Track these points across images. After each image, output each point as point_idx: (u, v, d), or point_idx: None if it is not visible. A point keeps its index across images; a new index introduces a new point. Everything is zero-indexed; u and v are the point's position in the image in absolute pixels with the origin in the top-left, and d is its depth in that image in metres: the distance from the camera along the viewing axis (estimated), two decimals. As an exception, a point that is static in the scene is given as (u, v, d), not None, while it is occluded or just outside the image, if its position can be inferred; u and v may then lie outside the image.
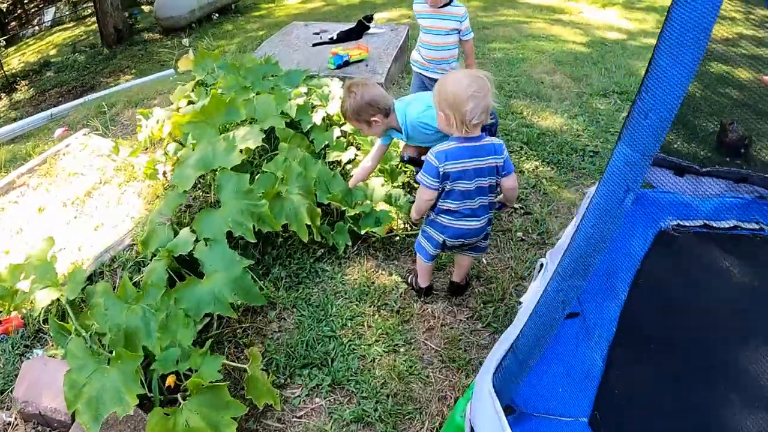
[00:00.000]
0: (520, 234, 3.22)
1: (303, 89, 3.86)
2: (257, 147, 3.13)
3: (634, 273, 2.19)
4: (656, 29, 8.07)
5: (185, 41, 11.14)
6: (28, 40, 17.96)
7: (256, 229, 2.62)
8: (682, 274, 2.29)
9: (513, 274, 2.91)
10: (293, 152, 3.33)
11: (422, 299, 2.75)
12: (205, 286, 2.38)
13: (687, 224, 2.57)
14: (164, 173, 3.52)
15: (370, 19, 5.96)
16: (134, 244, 3.11)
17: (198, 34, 11.79)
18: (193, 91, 4.08)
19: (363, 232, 2.95)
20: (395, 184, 3.25)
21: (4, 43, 17.11)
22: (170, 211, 2.81)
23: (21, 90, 11.73)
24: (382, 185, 3.18)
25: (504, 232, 3.23)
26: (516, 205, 3.42)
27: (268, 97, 3.68)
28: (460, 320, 2.62)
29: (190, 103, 3.89)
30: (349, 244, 3.01)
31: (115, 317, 2.22)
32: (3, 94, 11.64)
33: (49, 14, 19.22)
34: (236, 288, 2.39)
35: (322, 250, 3.02)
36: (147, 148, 3.95)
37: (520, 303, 1.85)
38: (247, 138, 3.06)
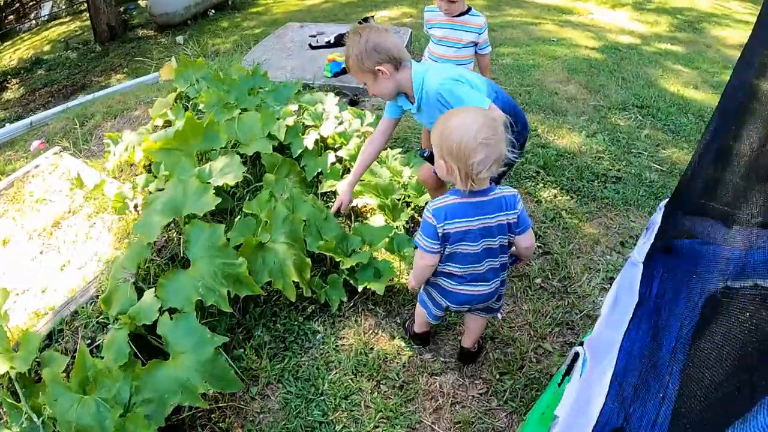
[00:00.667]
0: (539, 281, 2.82)
1: (293, 107, 3.45)
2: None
3: (684, 360, 1.79)
4: (669, 33, 7.66)
5: (179, 39, 10.74)
6: (23, 35, 17.58)
7: (233, 295, 2.22)
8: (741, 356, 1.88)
9: (532, 333, 2.51)
10: (281, 185, 2.94)
11: (416, 346, 2.43)
12: (171, 371, 1.97)
13: (737, 285, 2.18)
14: (135, 206, 3.13)
15: (369, 20, 5.53)
16: (99, 295, 2.72)
17: (193, 31, 11.37)
18: (172, 106, 3.68)
19: (360, 288, 2.53)
20: (398, 223, 2.84)
21: (-2, 38, 16.74)
22: (133, 266, 2.41)
23: (11, 88, 11.33)
24: (384, 226, 2.76)
25: (520, 278, 2.83)
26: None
27: (253, 116, 3.28)
28: (473, 396, 2.22)
29: (167, 124, 3.49)
30: (345, 300, 2.60)
31: (65, 411, 1.83)
32: (-8, 93, 11.25)
33: (46, 8, 18.83)
34: (207, 373, 1.98)
35: (313, 307, 2.61)
36: (116, 177, 3.55)
37: (555, 417, 1.47)
38: (226, 172, 2.67)
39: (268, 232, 2.46)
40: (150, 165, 3.31)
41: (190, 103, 3.78)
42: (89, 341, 2.46)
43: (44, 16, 18.27)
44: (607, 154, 3.92)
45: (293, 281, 2.40)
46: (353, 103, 4.45)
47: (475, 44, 3.07)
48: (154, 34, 11.78)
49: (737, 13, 9.43)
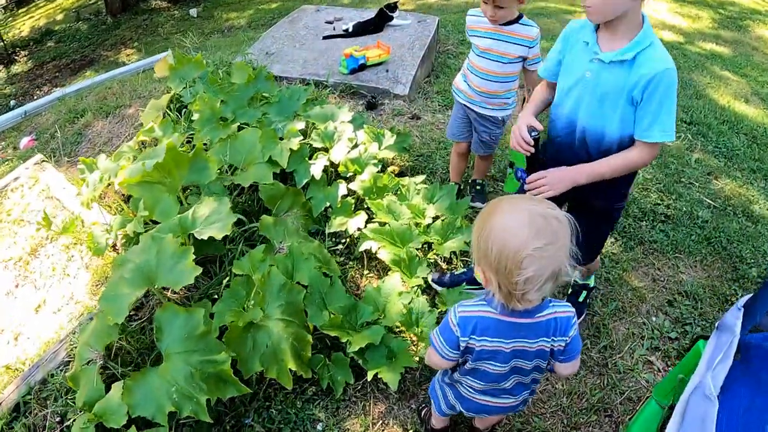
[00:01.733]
0: (577, 350, 2.36)
1: (300, 124, 2.93)
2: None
3: None
4: (713, 30, 6.99)
5: (193, 12, 10.22)
6: (38, 2, 17.17)
7: (214, 401, 1.76)
8: None
9: (566, 421, 2.09)
10: (280, 229, 2.45)
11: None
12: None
13: None
14: (114, 246, 2.68)
15: (394, 7, 4.92)
16: (70, 361, 2.31)
17: (208, 3, 10.82)
18: (162, 117, 3.18)
19: (370, 377, 2.04)
20: (414, 282, 2.33)
21: (14, 8, 16.35)
22: (101, 347, 1.96)
23: (20, 61, 10.94)
24: (400, 293, 2.24)
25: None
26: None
27: (252, 135, 2.78)
28: None
29: (155, 141, 3.00)
30: (351, 382, 2.13)
31: None
32: (1, 66, 10.86)
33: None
34: None
35: (314, 388, 2.15)
36: (98, 201, 3.09)
37: None
38: (212, 221, 2.18)
39: (261, 305, 1.98)
40: (124, 204, 2.86)
41: (183, 113, 3.28)
42: (59, 418, 2.13)
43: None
44: (655, 184, 3.42)
45: (290, 369, 1.93)
46: (371, 106, 3.91)
47: (524, 59, 2.51)
48: (168, 5, 11.26)
49: None
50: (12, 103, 8.41)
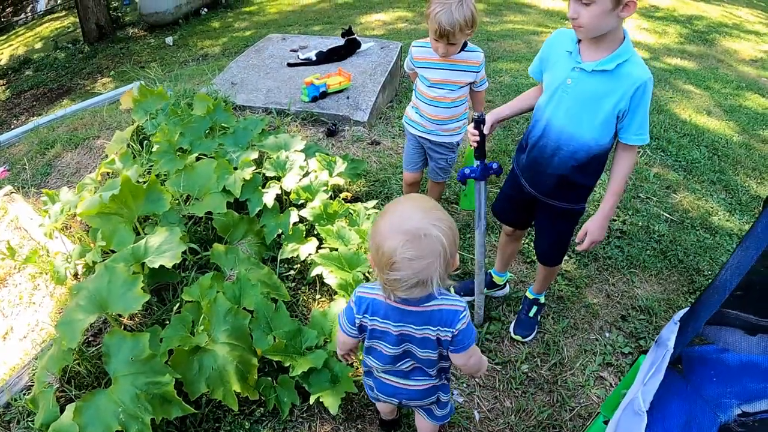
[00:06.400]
0: (525, 368, 2.45)
1: (254, 154, 3.07)
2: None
3: None
4: (679, 45, 7.24)
5: (169, 40, 10.35)
6: (18, 29, 17.27)
7: (159, 420, 1.87)
8: None
9: None
10: (232, 257, 2.57)
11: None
12: None
13: (753, 410, 1.81)
14: (75, 275, 2.78)
15: (349, 32, 5.09)
16: (32, 386, 2.40)
17: (184, 31, 10.97)
18: (124, 150, 3.31)
19: (312, 400, 2.13)
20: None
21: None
22: (57, 371, 2.07)
23: (-2, 90, 11.01)
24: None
25: (504, 365, 2.47)
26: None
27: (207, 166, 2.92)
28: None
29: (114, 174, 3.13)
30: (297, 403, 2.23)
31: None
32: (-21, 96, 10.92)
33: (42, 2, 18.52)
34: None
35: (262, 410, 2.24)
36: (62, 231, 3.19)
37: None
38: (163, 250, 2.30)
39: (207, 330, 2.10)
40: (84, 233, 2.97)
41: (145, 145, 3.41)
42: None
43: (40, 11, 17.95)
44: (610, 201, 3.52)
45: (235, 391, 2.04)
46: (331, 133, 4.06)
47: (472, 83, 2.67)
48: (144, 33, 11.39)
49: (747, 22, 8.92)
50: (-12, 133, 8.47)
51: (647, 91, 1.85)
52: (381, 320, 1.51)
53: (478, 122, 2.11)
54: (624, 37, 1.85)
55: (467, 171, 2.21)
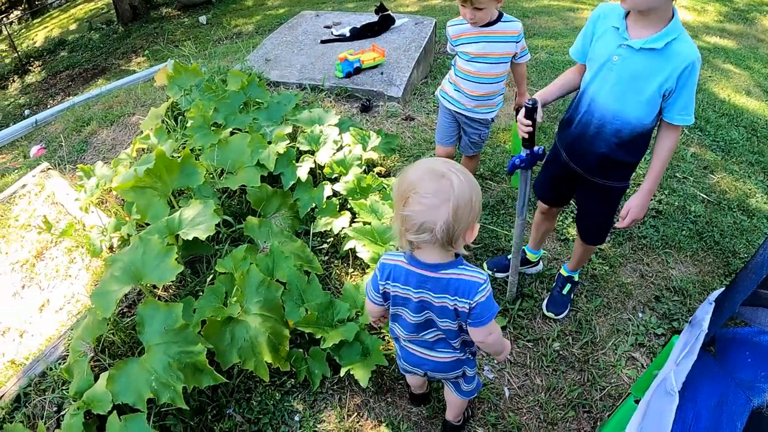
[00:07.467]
0: (557, 346, 2.40)
1: (287, 129, 3.04)
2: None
3: None
4: (718, 23, 6.95)
5: (202, 19, 10.40)
6: (53, 12, 17.53)
7: (190, 389, 1.87)
8: None
9: (542, 417, 2.12)
10: (265, 229, 2.56)
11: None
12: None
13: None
14: (111, 248, 2.80)
15: (383, 8, 5.01)
16: (67, 355, 2.44)
17: (217, 10, 11.00)
18: (159, 125, 3.31)
19: (342, 373, 2.13)
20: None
21: (29, 18, 16.72)
22: (91, 340, 2.08)
23: (34, 71, 11.22)
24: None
25: (536, 342, 2.41)
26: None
27: (242, 140, 2.90)
28: None
29: (149, 149, 3.13)
30: (328, 375, 2.23)
31: None
32: (16, 77, 11.15)
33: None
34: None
35: (293, 381, 2.24)
36: (98, 205, 3.22)
37: None
38: (197, 222, 2.30)
39: (240, 301, 2.09)
40: (119, 207, 2.99)
41: (179, 120, 3.41)
42: (56, 408, 2.24)
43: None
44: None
45: (267, 362, 2.03)
46: (365, 108, 4.01)
47: (513, 55, 2.59)
48: (178, 13, 11.47)
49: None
50: (26, 112, 8.65)
51: (695, 70, 1.75)
52: (402, 286, 1.49)
53: (531, 110, 1.96)
54: (673, 15, 1.76)
55: (517, 161, 2.11)
